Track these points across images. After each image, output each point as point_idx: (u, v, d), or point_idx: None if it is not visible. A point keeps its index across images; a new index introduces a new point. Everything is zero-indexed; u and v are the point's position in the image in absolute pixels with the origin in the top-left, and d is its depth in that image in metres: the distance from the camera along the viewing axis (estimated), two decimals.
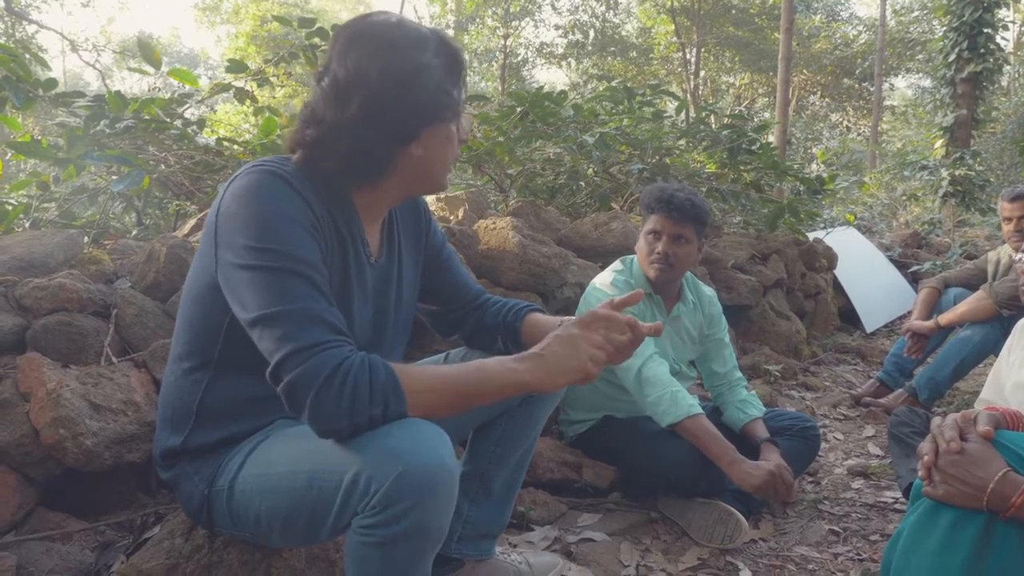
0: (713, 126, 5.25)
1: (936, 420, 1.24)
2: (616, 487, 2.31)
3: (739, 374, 2.48)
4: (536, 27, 21.02)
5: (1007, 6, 12.90)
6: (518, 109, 3.89)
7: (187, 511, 1.33)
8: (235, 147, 3.25)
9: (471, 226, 2.90)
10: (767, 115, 19.87)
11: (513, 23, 19.17)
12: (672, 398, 2.09)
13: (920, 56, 20.12)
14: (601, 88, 4.91)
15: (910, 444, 2.24)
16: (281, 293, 1.10)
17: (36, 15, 17.30)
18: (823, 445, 2.83)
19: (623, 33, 21.79)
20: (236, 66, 3.31)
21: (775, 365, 3.78)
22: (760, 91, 22.86)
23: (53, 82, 2.82)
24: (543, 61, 20.98)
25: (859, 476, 2.60)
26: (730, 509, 2.04)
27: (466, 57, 1.30)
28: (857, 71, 20.81)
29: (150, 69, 3.22)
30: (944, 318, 3.36)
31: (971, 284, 3.60)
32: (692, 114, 9.68)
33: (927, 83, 17.86)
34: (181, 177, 3.07)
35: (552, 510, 2.11)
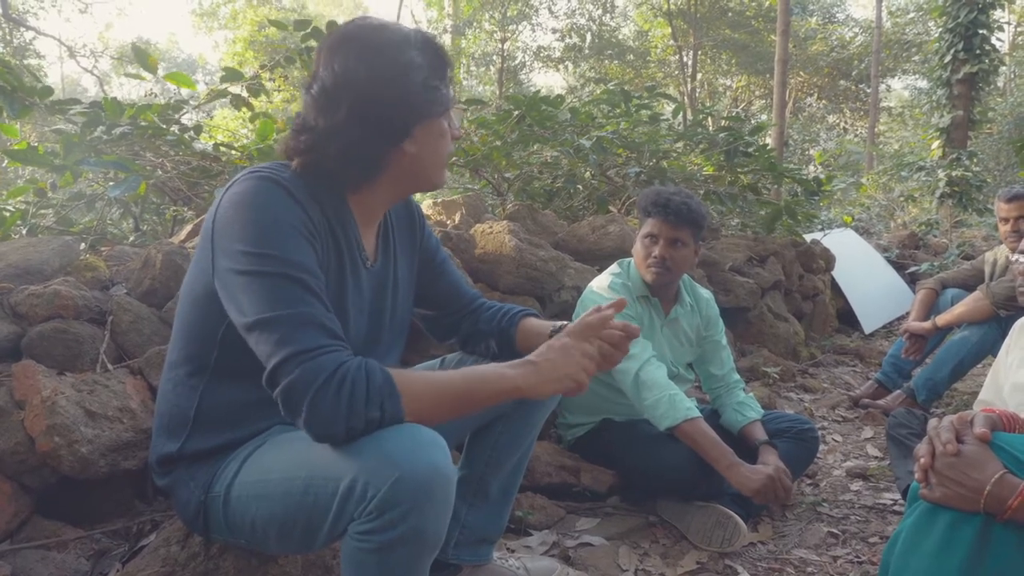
0: (710, 128, 5.25)
1: (932, 422, 1.24)
2: (614, 491, 2.31)
3: (737, 376, 2.48)
4: (533, 31, 21.10)
5: (1002, 7, 12.94)
6: (515, 113, 3.89)
7: (183, 518, 1.32)
8: (232, 152, 3.25)
9: (468, 230, 2.90)
10: (764, 117, 19.88)
11: (510, 27, 19.19)
12: (670, 401, 2.08)
13: (916, 57, 20.17)
14: (598, 91, 4.91)
15: (908, 445, 2.24)
16: (277, 298, 1.11)
17: (34, 21, 17.33)
18: (821, 447, 2.83)
19: (620, 36, 21.81)
20: (232, 74, 3.31)
21: (773, 367, 3.78)
22: (757, 93, 22.89)
23: (49, 90, 2.82)
24: (540, 65, 21.00)
25: (858, 478, 2.60)
26: (728, 512, 2.04)
27: (449, 54, 1.32)
28: (854, 73, 20.85)
29: (147, 74, 3.22)
30: (942, 319, 3.36)
31: (968, 285, 3.60)
32: (689, 117, 9.69)
33: (923, 84, 17.88)
34: (178, 183, 3.07)
35: (550, 514, 2.11)
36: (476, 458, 1.65)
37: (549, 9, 19.95)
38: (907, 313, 4.19)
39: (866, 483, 2.56)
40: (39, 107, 2.79)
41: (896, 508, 2.32)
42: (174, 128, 3.11)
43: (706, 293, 2.54)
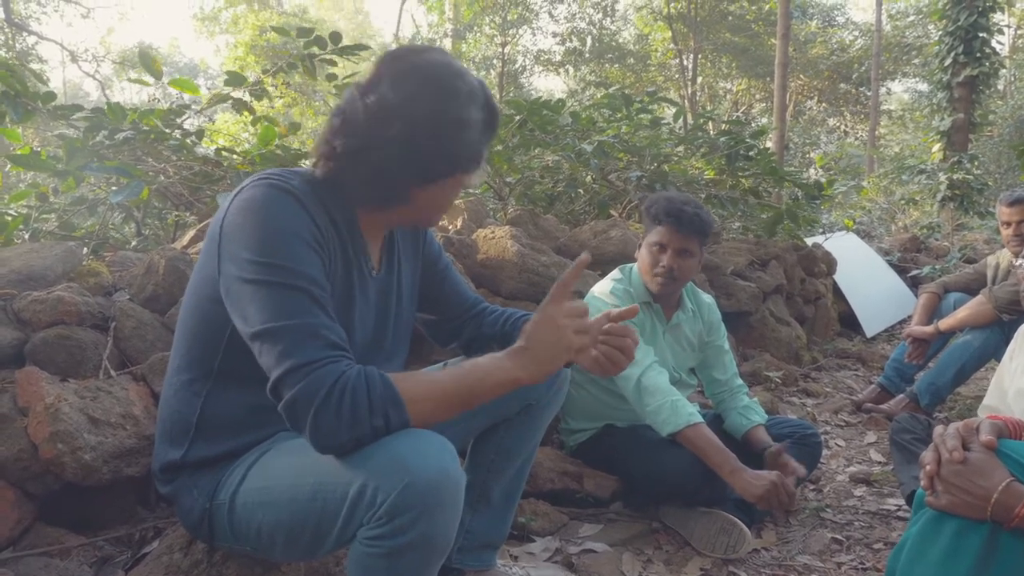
0: (711, 132, 5.26)
1: (938, 429, 1.23)
2: (617, 497, 2.30)
3: (740, 381, 2.48)
4: (534, 35, 21.02)
5: (1002, 10, 12.96)
6: (516, 117, 3.89)
7: (186, 525, 1.32)
8: (234, 157, 3.25)
9: (470, 235, 2.90)
10: (765, 121, 19.90)
11: (511, 31, 19.21)
12: (672, 407, 2.08)
13: (916, 60, 20.19)
14: (599, 95, 4.91)
15: (912, 450, 2.23)
16: (282, 308, 1.11)
17: (36, 26, 17.35)
18: (824, 452, 2.83)
19: (620, 40, 21.83)
20: (235, 78, 3.31)
21: (776, 371, 3.78)
22: (757, 97, 22.91)
23: (52, 95, 2.82)
24: (541, 68, 21.01)
25: (861, 483, 2.59)
26: (732, 519, 2.03)
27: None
28: (854, 76, 20.86)
29: (150, 79, 3.22)
30: (944, 323, 3.36)
31: (971, 289, 3.59)
32: (690, 120, 9.69)
33: (924, 87, 17.90)
34: (180, 188, 3.07)
35: (553, 521, 2.10)
36: (479, 463, 1.65)
37: (549, 13, 19.95)
38: (909, 317, 4.19)
39: (870, 488, 2.55)
40: (42, 112, 2.79)
41: (900, 514, 2.31)
42: (176, 133, 3.12)
43: (708, 298, 2.54)
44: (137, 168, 2.76)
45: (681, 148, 4.94)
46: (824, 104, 22.96)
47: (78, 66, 16.69)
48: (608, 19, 20.67)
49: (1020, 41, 22.56)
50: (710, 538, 2.04)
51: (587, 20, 20.26)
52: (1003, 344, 3.11)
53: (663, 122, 4.82)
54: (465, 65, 1.30)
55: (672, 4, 19.37)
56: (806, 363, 4.39)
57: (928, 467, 1.18)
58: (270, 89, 3.54)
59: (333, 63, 3.40)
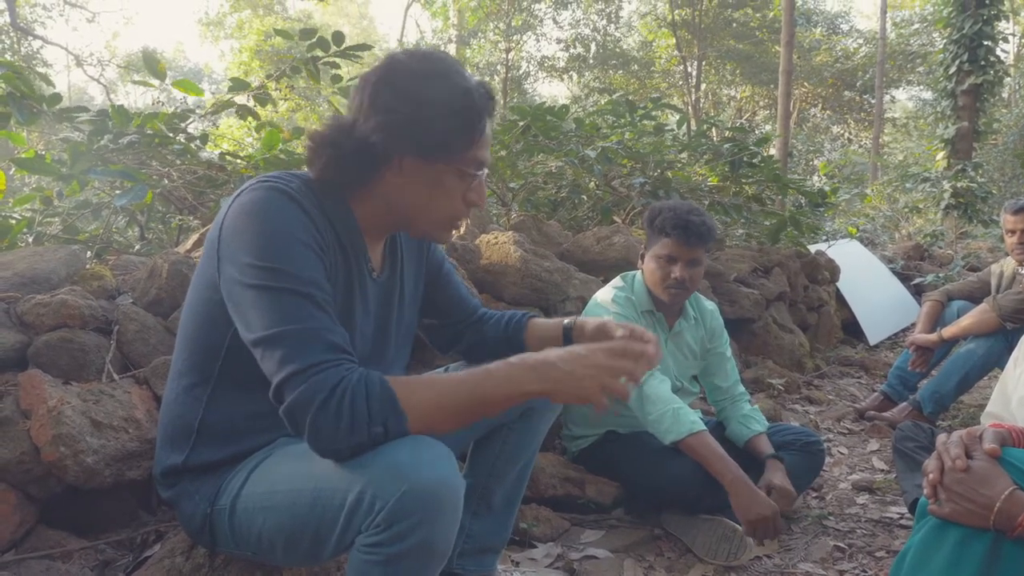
0: (714, 139, 5.26)
1: (942, 437, 1.23)
2: (619, 503, 2.30)
3: (742, 388, 2.47)
4: (538, 41, 21.13)
5: (1007, 18, 12.95)
6: (520, 123, 3.90)
7: (188, 530, 1.32)
8: (238, 162, 3.26)
9: (473, 241, 2.90)
10: (768, 128, 19.91)
11: (515, 37, 19.25)
12: (674, 415, 2.08)
13: (921, 68, 20.17)
14: (603, 101, 4.92)
15: (915, 458, 2.22)
16: (283, 313, 1.10)
17: (41, 30, 17.45)
18: (827, 460, 2.82)
19: (624, 47, 21.87)
20: (239, 84, 3.32)
21: (778, 379, 3.77)
22: (761, 104, 22.92)
23: (57, 97, 2.84)
24: (545, 75, 21.05)
25: (864, 491, 2.59)
26: (734, 525, 2.03)
27: (492, 122, 1.29)
28: (858, 83, 20.86)
29: (155, 82, 3.24)
30: (948, 331, 3.35)
31: (974, 297, 3.59)
32: (693, 127, 9.70)
33: (928, 95, 17.89)
34: (184, 192, 3.08)
35: (555, 527, 2.10)
36: (479, 467, 1.65)
37: (553, 19, 19.99)
38: (912, 325, 4.18)
39: (872, 496, 2.54)
40: (47, 115, 2.80)
41: (903, 522, 2.30)
42: (180, 137, 3.13)
43: (710, 305, 2.54)
44: (141, 172, 2.76)
45: (685, 155, 4.95)
46: (828, 111, 22.96)
47: (83, 70, 16.78)
48: (612, 25, 20.73)
49: None
50: (712, 545, 2.03)
51: (591, 26, 20.31)
52: (1007, 352, 3.10)
53: (667, 128, 4.83)
54: (468, 70, 1.30)
55: (676, 11, 19.41)
56: (809, 370, 4.38)
57: (931, 475, 1.18)
58: (274, 93, 3.54)
59: (337, 66, 3.41)
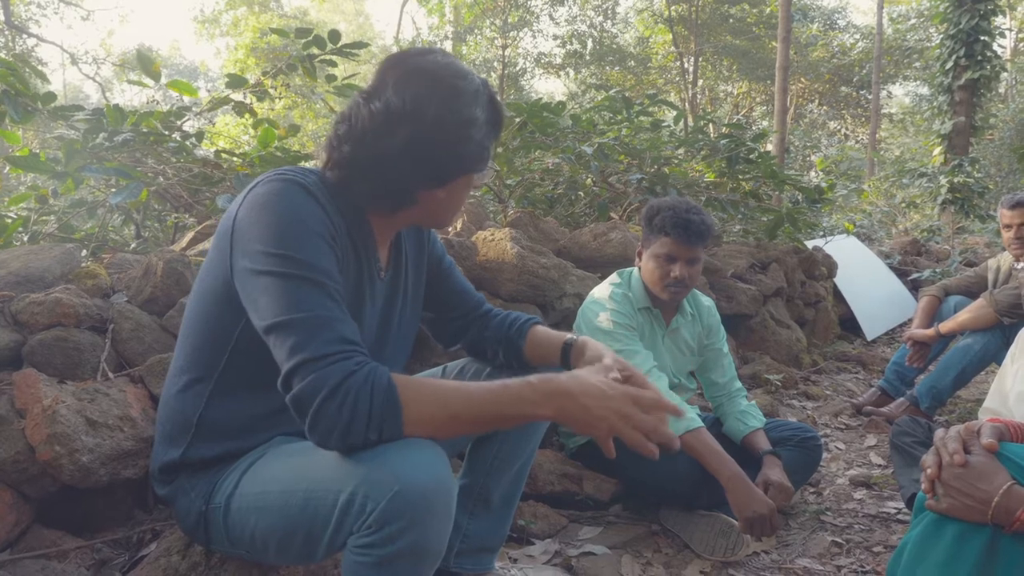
0: (711, 135, 5.26)
1: (939, 432, 1.23)
2: (617, 499, 2.30)
3: (739, 384, 2.47)
4: (534, 37, 21.06)
5: (1003, 13, 12.97)
6: (516, 119, 3.89)
7: (184, 528, 1.32)
8: (234, 159, 3.25)
9: (469, 237, 2.90)
10: (765, 123, 19.91)
11: (511, 34, 19.24)
12: None
13: (917, 64, 20.20)
14: (599, 98, 4.91)
15: (912, 454, 2.23)
16: (296, 301, 1.11)
17: (36, 28, 17.38)
18: (824, 455, 2.82)
19: (621, 43, 21.86)
20: (235, 81, 3.31)
21: (776, 374, 3.77)
22: (758, 99, 22.93)
23: (52, 95, 2.82)
24: (541, 71, 21.05)
25: (861, 486, 2.59)
26: (732, 521, 2.02)
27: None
28: (855, 79, 20.88)
29: (149, 81, 3.22)
30: (945, 326, 3.35)
31: (971, 292, 3.59)
32: (690, 123, 9.70)
33: (925, 90, 17.90)
34: (179, 190, 3.07)
35: (553, 523, 2.10)
36: (477, 467, 1.64)
37: (550, 16, 19.98)
38: (909, 320, 4.18)
39: (870, 492, 2.54)
40: (42, 113, 2.79)
41: (900, 517, 2.30)
42: (176, 135, 3.12)
43: (707, 301, 2.53)
44: (136, 170, 2.75)
45: (681, 151, 4.94)
46: (825, 107, 22.98)
47: (78, 68, 16.73)
48: (609, 22, 20.72)
49: (1021, 44, 22.57)
50: (709, 541, 2.03)
51: (588, 23, 20.30)
52: (1004, 347, 3.10)
53: (663, 125, 4.82)
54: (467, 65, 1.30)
55: (673, 7, 19.39)
56: (806, 366, 4.39)
57: (929, 470, 1.18)
58: (270, 91, 3.53)
59: (333, 64, 3.40)
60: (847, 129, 23.58)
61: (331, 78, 3.44)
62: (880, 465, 2.83)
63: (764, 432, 2.29)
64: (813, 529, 2.23)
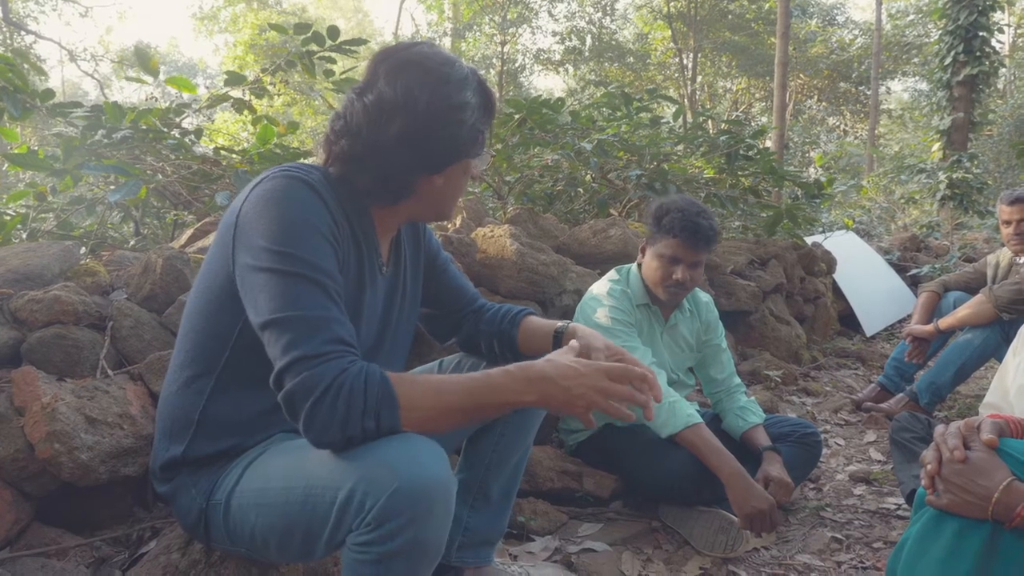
0: (711, 131, 5.25)
1: (939, 428, 1.23)
2: (617, 496, 2.30)
3: (738, 380, 2.47)
4: (533, 34, 21.06)
5: (1002, 9, 12.97)
6: (516, 116, 3.89)
7: (184, 525, 1.32)
8: (233, 156, 3.24)
9: (469, 234, 2.89)
10: (764, 119, 19.88)
11: (510, 30, 19.21)
12: (670, 409, 2.07)
13: (916, 59, 20.19)
14: (598, 94, 4.90)
15: (912, 449, 2.23)
16: (293, 298, 1.11)
17: (34, 25, 17.34)
18: (824, 451, 2.82)
19: (620, 39, 21.83)
20: (235, 78, 3.30)
21: (775, 370, 3.77)
22: (757, 96, 22.90)
23: (50, 92, 2.82)
24: (540, 67, 21.02)
25: (861, 482, 2.59)
26: (731, 517, 2.02)
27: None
28: (854, 75, 20.87)
29: (148, 78, 3.22)
30: (944, 322, 3.35)
31: (970, 287, 3.59)
32: (689, 119, 9.68)
33: (923, 86, 17.90)
34: (179, 187, 3.07)
35: (552, 520, 2.10)
36: (476, 460, 1.65)
37: (549, 12, 19.97)
38: (909, 316, 4.18)
39: (869, 487, 2.55)
40: (40, 110, 2.78)
41: (900, 513, 2.31)
42: (175, 132, 3.11)
43: (705, 297, 2.53)
44: (135, 167, 2.75)
45: (681, 147, 4.94)
46: (824, 103, 22.97)
47: (76, 65, 16.69)
48: (608, 18, 20.68)
49: (1020, 40, 22.56)
50: (709, 537, 2.03)
51: (587, 19, 20.27)
52: (1003, 343, 3.10)
53: (663, 121, 4.81)
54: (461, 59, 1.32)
55: (672, 3, 19.37)
56: (806, 362, 4.39)
57: (929, 466, 1.18)
58: (269, 88, 3.53)
59: (332, 60, 3.40)
60: (846, 125, 23.58)
61: (330, 74, 3.44)
62: (880, 461, 2.83)
63: (763, 428, 2.30)
64: (813, 525, 2.24)
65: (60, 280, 1.99)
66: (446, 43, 19.36)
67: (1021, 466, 1.12)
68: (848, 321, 5.49)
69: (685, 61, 20.59)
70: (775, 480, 2.08)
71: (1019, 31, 22.59)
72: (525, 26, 19.72)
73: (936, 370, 3.30)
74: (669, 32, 19.95)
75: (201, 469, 1.27)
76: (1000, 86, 18.15)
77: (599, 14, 20.33)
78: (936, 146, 12.11)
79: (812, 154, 18.93)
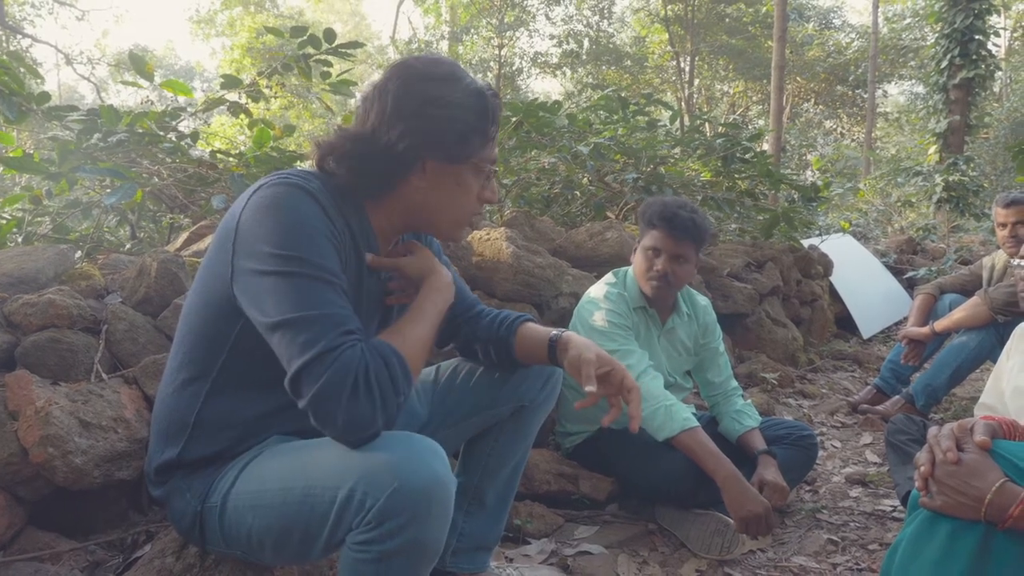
0: (707, 134, 5.26)
1: (933, 430, 1.23)
2: (613, 499, 2.30)
3: (735, 383, 2.47)
4: (531, 37, 21.00)
5: (998, 12, 13.01)
6: (513, 119, 3.89)
7: (179, 528, 1.31)
8: (229, 159, 3.24)
9: (465, 237, 2.89)
10: (761, 123, 19.92)
11: (507, 33, 19.22)
12: (667, 412, 2.07)
13: (913, 63, 20.24)
14: (595, 97, 4.92)
15: (907, 451, 2.23)
16: (303, 298, 1.11)
17: (30, 29, 17.35)
18: (820, 453, 2.82)
19: (617, 42, 21.86)
20: (231, 81, 3.30)
21: (772, 373, 3.78)
22: (754, 99, 22.93)
23: (46, 96, 2.82)
24: (538, 71, 21.02)
25: (857, 484, 2.59)
26: (728, 520, 2.02)
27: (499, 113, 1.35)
28: (850, 78, 20.91)
29: (144, 82, 3.22)
30: (940, 324, 3.36)
31: (966, 290, 3.60)
32: (686, 123, 9.70)
33: (920, 89, 17.96)
34: (175, 190, 3.06)
35: (549, 523, 2.10)
36: (472, 466, 1.65)
37: (546, 15, 19.97)
38: (905, 318, 4.19)
39: (865, 489, 2.55)
40: (36, 113, 2.78)
41: (896, 515, 2.31)
42: (171, 135, 3.11)
43: (703, 300, 2.53)
44: (131, 171, 2.75)
45: (678, 150, 4.94)
46: (821, 106, 23.01)
47: (73, 69, 16.70)
48: (605, 21, 20.72)
49: (1016, 43, 22.63)
50: (705, 539, 2.03)
51: (584, 22, 20.30)
52: (998, 345, 3.11)
53: (660, 124, 4.82)
54: (462, 67, 1.35)
55: (669, 6, 19.40)
56: (802, 364, 4.39)
57: (923, 468, 1.18)
58: (265, 91, 3.53)
59: (329, 64, 3.40)
60: (843, 128, 23.61)
61: (326, 77, 3.44)
62: (876, 463, 2.83)
63: (760, 431, 2.30)
64: (809, 527, 2.24)
65: (55, 284, 1.99)
66: (443, 46, 19.39)
67: (1014, 467, 1.12)
68: (844, 323, 5.50)
69: (682, 64, 20.62)
70: (770, 484, 2.08)
71: (1015, 34, 22.67)
72: (522, 29, 19.74)
73: (932, 372, 3.31)
74: (666, 35, 19.98)
75: (196, 472, 1.27)
76: (996, 89, 18.20)
77: (596, 17, 20.37)
78: (932, 149, 12.13)
79: (809, 157, 18.97)
